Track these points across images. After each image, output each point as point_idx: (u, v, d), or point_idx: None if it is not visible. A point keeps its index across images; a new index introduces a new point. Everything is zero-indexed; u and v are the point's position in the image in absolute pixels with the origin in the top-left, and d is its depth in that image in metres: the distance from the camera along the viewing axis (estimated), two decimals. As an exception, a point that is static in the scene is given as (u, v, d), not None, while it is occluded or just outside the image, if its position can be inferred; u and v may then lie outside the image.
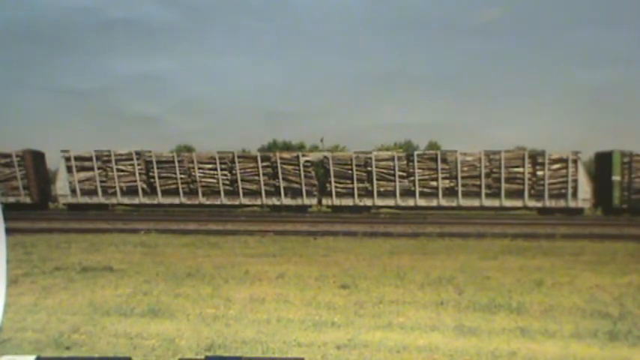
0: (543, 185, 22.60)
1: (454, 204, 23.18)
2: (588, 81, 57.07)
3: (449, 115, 58.31)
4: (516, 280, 8.42)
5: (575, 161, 22.55)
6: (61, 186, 24.75)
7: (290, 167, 24.04)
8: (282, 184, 23.93)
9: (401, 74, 62.57)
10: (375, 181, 23.39)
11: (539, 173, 22.69)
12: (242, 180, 24.16)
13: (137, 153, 24.82)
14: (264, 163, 24.20)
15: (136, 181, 24.55)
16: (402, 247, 12.57)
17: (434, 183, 23.18)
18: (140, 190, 24.58)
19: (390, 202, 23.60)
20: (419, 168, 23.22)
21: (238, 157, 24.63)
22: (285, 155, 24.73)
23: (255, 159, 24.58)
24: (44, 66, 62.77)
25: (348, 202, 23.69)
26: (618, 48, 57.37)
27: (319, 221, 19.05)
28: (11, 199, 23.79)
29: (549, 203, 22.59)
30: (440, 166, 23.04)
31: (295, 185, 23.91)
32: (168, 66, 65.15)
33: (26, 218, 18.30)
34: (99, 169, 24.65)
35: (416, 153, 24.30)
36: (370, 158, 23.62)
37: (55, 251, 11.54)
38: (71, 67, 63.64)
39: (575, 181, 22.43)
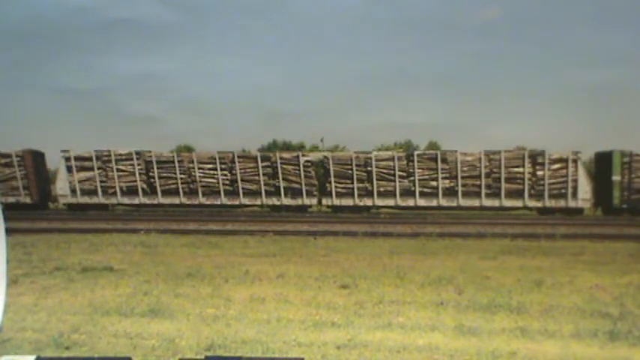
0: (543, 185, 22.58)
1: (454, 204, 23.14)
2: (588, 81, 57.10)
3: (449, 115, 58.38)
4: (516, 280, 8.43)
5: (575, 161, 22.51)
6: (61, 186, 24.71)
7: (290, 167, 24.02)
8: (282, 184, 23.91)
9: (401, 74, 62.61)
10: (375, 181, 23.37)
11: (539, 173, 22.67)
12: (242, 180, 24.14)
13: (137, 153, 24.77)
14: (264, 163, 24.17)
15: (136, 181, 24.52)
16: (402, 247, 12.57)
17: (434, 183, 23.16)
18: (140, 190, 24.55)
19: (390, 202, 23.57)
20: (419, 168, 23.19)
21: (238, 157, 24.59)
22: (285, 155, 24.70)
23: (255, 159, 24.54)
24: (44, 66, 62.80)
25: (348, 202, 23.66)
26: (618, 48, 57.37)
27: (319, 221, 19.04)
28: (11, 199, 23.74)
29: (549, 203, 22.57)
30: (440, 166, 23.01)
31: (295, 185, 23.89)
32: (169, 66, 65.22)
33: (26, 218, 18.30)
34: (99, 169, 24.61)
35: (416, 153, 24.24)
36: (370, 158, 23.59)
37: (55, 251, 11.53)
38: (71, 67, 63.72)
39: (575, 181, 22.39)
